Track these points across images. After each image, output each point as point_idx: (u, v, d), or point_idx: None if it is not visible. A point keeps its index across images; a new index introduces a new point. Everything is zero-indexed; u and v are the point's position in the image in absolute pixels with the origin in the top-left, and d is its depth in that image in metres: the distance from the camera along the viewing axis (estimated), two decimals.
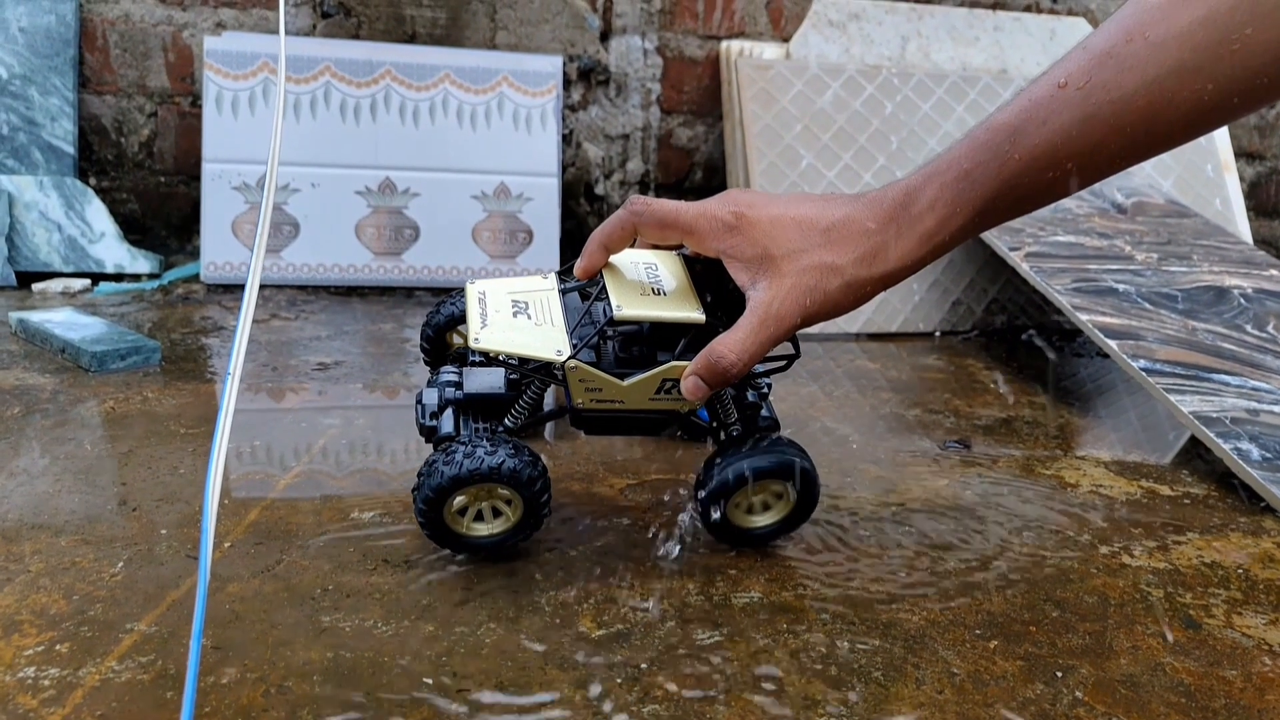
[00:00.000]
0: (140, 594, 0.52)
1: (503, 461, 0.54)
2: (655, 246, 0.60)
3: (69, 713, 0.42)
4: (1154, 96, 0.44)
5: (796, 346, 0.59)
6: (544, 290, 0.60)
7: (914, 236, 0.51)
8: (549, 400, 0.68)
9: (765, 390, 0.64)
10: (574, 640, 0.50)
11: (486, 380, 0.61)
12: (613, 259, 0.58)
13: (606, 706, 0.44)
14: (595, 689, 0.46)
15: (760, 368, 0.62)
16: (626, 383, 0.55)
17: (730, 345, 0.52)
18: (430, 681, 0.46)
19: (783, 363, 0.60)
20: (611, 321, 0.54)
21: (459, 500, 0.55)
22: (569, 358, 0.54)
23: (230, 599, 0.52)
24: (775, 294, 0.52)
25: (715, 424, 0.62)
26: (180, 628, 0.49)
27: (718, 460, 0.59)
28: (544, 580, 0.56)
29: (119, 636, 0.48)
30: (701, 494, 0.59)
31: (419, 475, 0.55)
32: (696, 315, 0.55)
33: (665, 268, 0.59)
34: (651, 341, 0.56)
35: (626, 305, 0.54)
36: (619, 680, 0.47)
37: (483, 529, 0.57)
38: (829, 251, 0.52)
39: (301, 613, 0.51)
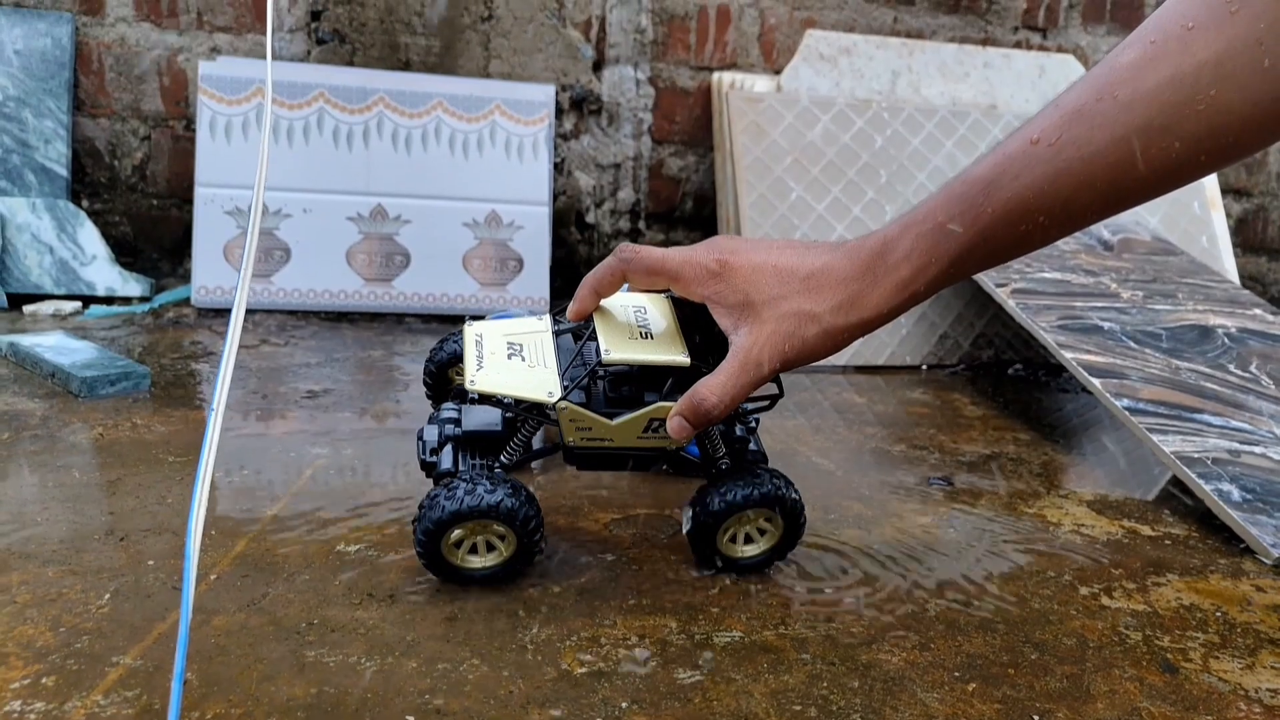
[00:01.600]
0: (127, 626, 0.53)
1: (501, 500, 0.56)
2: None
3: None
4: (1123, 153, 0.46)
5: (780, 386, 0.60)
6: (538, 332, 0.62)
7: (890, 285, 0.53)
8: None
9: (753, 425, 0.66)
10: (556, 679, 0.50)
11: (484, 418, 0.64)
12: (604, 302, 0.60)
13: None
14: None
15: (748, 405, 0.63)
16: (615, 422, 0.57)
17: (712, 388, 0.54)
18: (412, 719, 0.46)
19: (766, 402, 0.61)
20: (600, 364, 0.56)
21: (456, 533, 0.57)
22: (560, 399, 0.56)
23: (215, 632, 0.53)
24: (755, 340, 0.54)
25: (704, 459, 0.63)
26: (166, 661, 0.49)
27: (707, 492, 0.61)
28: (527, 617, 0.56)
29: (105, 670, 0.48)
30: (689, 525, 0.61)
31: (420, 508, 0.57)
32: (682, 358, 0.57)
33: (654, 310, 0.61)
34: (640, 382, 0.58)
35: (615, 349, 0.56)
36: None
37: (476, 561, 0.59)
38: (807, 299, 0.53)
39: (286, 647, 0.52)
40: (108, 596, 0.56)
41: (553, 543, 0.66)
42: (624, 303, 0.61)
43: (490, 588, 0.59)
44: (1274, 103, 0.43)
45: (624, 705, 0.48)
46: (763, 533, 0.63)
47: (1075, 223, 0.49)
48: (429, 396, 0.74)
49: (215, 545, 0.63)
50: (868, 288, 0.53)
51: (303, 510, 0.69)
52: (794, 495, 0.62)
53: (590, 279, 0.59)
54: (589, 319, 0.59)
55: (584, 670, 0.51)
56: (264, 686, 0.48)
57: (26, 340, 1.02)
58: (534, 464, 0.81)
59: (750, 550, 0.63)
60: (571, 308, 0.59)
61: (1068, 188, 0.47)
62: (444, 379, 0.74)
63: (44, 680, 0.47)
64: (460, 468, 0.61)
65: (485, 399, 0.59)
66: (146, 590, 0.57)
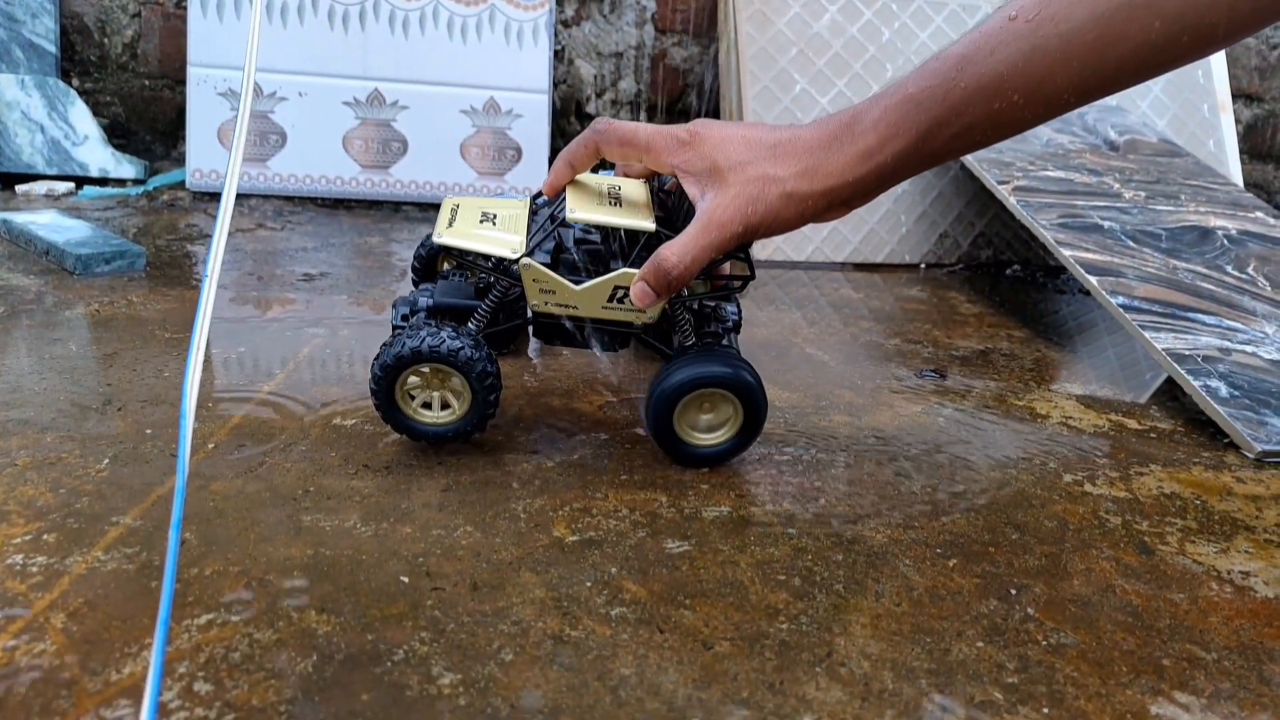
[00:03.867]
0: (126, 490, 0.54)
1: (461, 348, 0.57)
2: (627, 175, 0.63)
3: (56, 598, 0.44)
4: (1102, 31, 0.45)
5: (751, 268, 0.61)
6: (515, 208, 0.63)
7: (853, 153, 0.52)
8: None
9: (730, 324, 0.66)
10: (548, 546, 0.51)
11: (457, 291, 0.64)
12: (580, 178, 0.60)
13: (576, 608, 0.46)
14: (566, 591, 0.47)
15: (714, 291, 0.64)
16: (579, 288, 0.58)
17: (674, 249, 0.55)
18: (407, 580, 0.47)
19: (738, 284, 0.62)
20: (563, 222, 0.57)
21: (413, 381, 0.58)
22: (522, 255, 0.57)
23: (213, 497, 0.54)
24: (719, 201, 0.54)
25: (673, 344, 0.64)
26: (165, 522, 0.50)
27: (661, 372, 0.60)
28: (520, 489, 0.57)
29: (105, 529, 0.49)
30: (648, 402, 0.60)
31: (382, 346, 0.58)
32: (647, 224, 0.57)
33: (629, 187, 0.61)
34: (610, 254, 0.59)
35: (580, 210, 0.57)
36: (589, 584, 0.48)
37: (429, 417, 0.59)
38: (773, 165, 0.54)
39: (283, 512, 0.53)
40: (106, 462, 0.57)
41: (547, 422, 0.67)
42: (600, 181, 0.62)
43: (485, 462, 0.60)
44: None
45: (613, 571, 0.50)
46: (726, 422, 0.61)
47: (1051, 105, 0.48)
48: (415, 281, 0.75)
49: (212, 417, 0.64)
50: (833, 155, 0.53)
51: (299, 387, 0.70)
52: (751, 378, 0.59)
53: (565, 152, 0.59)
54: (563, 193, 0.60)
55: (575, 538, 0.52)
56: (261, 547, 0.49)
57: (20, 217, 1.01)
58: (531, 353, 0.81)
59: (709, 439, 0.61)
60: (547, 181, 0.60)
61: (1044, 65, 0.47)
62: (432, 267, 0.74)
63: (45, 537, 0.48)
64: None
65: (450, 254, 0.60)
66: (144, 457, 0.58)
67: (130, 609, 0.43)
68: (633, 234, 0.58)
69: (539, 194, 0.63)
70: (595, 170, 0.64)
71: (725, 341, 0.64)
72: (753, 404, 0.60)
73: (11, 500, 0.52)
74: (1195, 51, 0.45)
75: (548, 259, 0.58)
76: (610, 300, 0.58)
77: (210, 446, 0.60)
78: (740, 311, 0.72)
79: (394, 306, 0.65)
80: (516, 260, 0.57)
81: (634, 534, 0.53)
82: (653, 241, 0.57)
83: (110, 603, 0.44)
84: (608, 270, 0.58)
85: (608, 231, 0.60)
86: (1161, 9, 0.44)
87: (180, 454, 0.36)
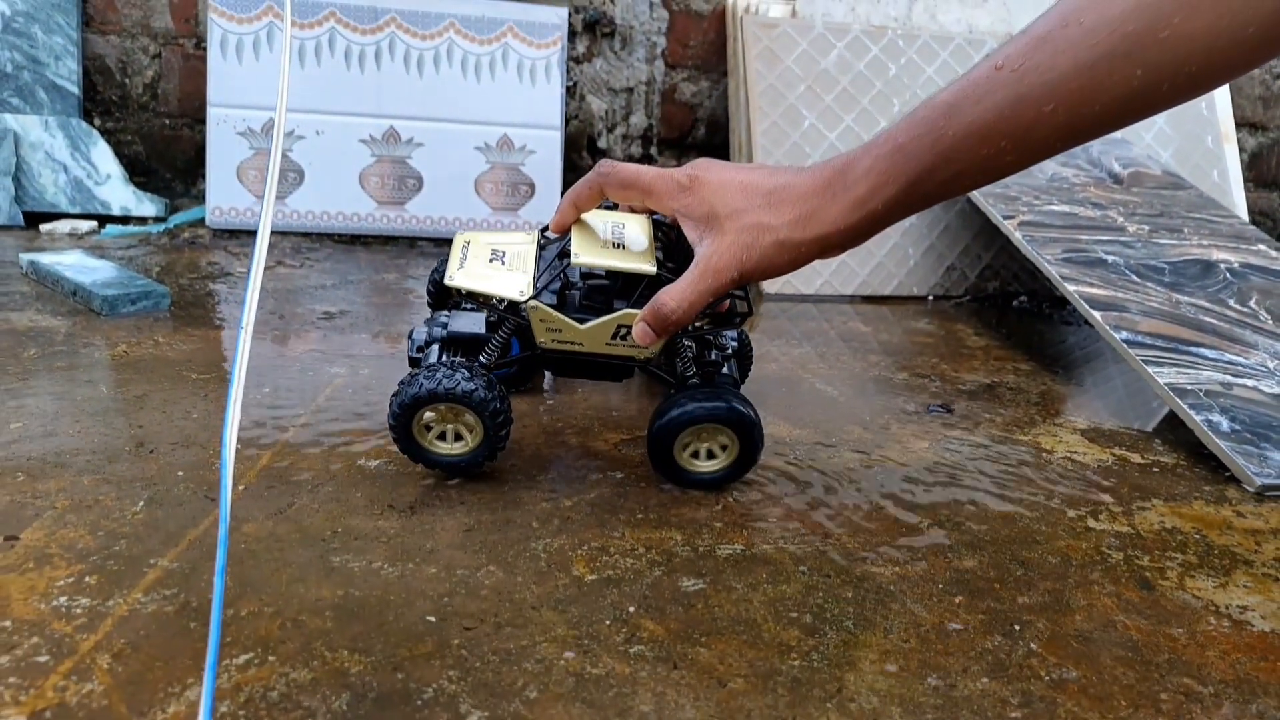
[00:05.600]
0: (162, 532, 0.56)
1: (476, 389, 0.60)
2: (631, 210, 0.67)
3: (101, 639, 0.46)
4: (1085, 80, 0.47)
5: (750, 305, 0.66)
6: (523, 244, 0.67)
7: (846, 202, 0.55)
8: None
9: (730, 350, 0.69)
10: (567, 584, 0.53)
11: (469, 322, 0.68)
12: (585, 217, 0.64)
13: (596, 646, 0.48)
14: (586, 629, 0.49)
15: (719, 328, 0.69)
16: (584, 326, 0.62)
17: (672, 294, 0.58)
18: (433, 619, 0.49)
19: (736, 320, 0.67)
20: (567, 264, 0.60)
21: (429, 415, 0.61)
22: (530, 298, 0.61)
23: (245, 538, 0.56)
24: (715, 249, 0.57)
25: (675, 375, 0.68)
26: (200, 564, 0.53)
27: (665, 405, 0.64)
28: (540, 528, 0.59)
29: (143, 571, 0.52)
30: (650, 434, 0.64)
31: (400, 384, 0.62)
32: (647, 267, 0.60)
33: (633, 227, 0.65)
34: (612, 293, 0.63)
35: (584, 253, 0.60)
36: (608, 622, 0.50)
37: (443, 448, 0.63)
38: (768, 213, 0.56)
39: (313, 553, 0.55)
40: (142, 504, 0.59)
41: (564, 460, 0.69)
42: (604, 219, 0.65)
43: (505, 502, 0.62)
44: (1234, 33, 0.44)
45: (631, 610, 0.51)
46: (724, 448, 0.65)
47: (1038, 150, 0.50)
48: (429, 304, 0.78)
49: (240, 459, 0.66)
50: (825, 204, 0.55)
51: (323, 427, 0.72)
52: (750, 414, 0.63)
53: (570, 193, 0.63)
54: (569, 231, 0.63)
55: (594, 577, 0.54)
56: (293, 588, 0.51)
57: (46, 258, 1.04)
58: (546, 387, 0.83)
59: (707, 466, 0.65)
60: (553, 220, 0.64)
61: (1029, 113, 0.49)
62: (446, 292, 0.78)
63: (87, 579, 0.51)
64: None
65: (461, 294, 0.64)
66: (178, 499, 0.60)
67: (171, 649, 0.45)
68: (634, 276, 0.61)
69: (546, 227, 0.66)
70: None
71: (725, 369, 0.69)
72: (748, 436, 0.64)
73: (54, 543, 0.54)
74: (1174, 97, 0.47)
75: (554, 299, 0.62)
76: (614, 338, 0.62)
77: (240, 488, 0.62)
78: (750, 344, 0.76)
79: (409, 337, 0.69)
80: (525, 302, 0.61)
81: (651, 572, 0.55)
82: (654, 283, 0.61)
83: (152, 644, 0.46)
84: (612, 309, 0.62)
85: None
86: (1143, 59, 0.46)
87: (222, 515, 0.38)
